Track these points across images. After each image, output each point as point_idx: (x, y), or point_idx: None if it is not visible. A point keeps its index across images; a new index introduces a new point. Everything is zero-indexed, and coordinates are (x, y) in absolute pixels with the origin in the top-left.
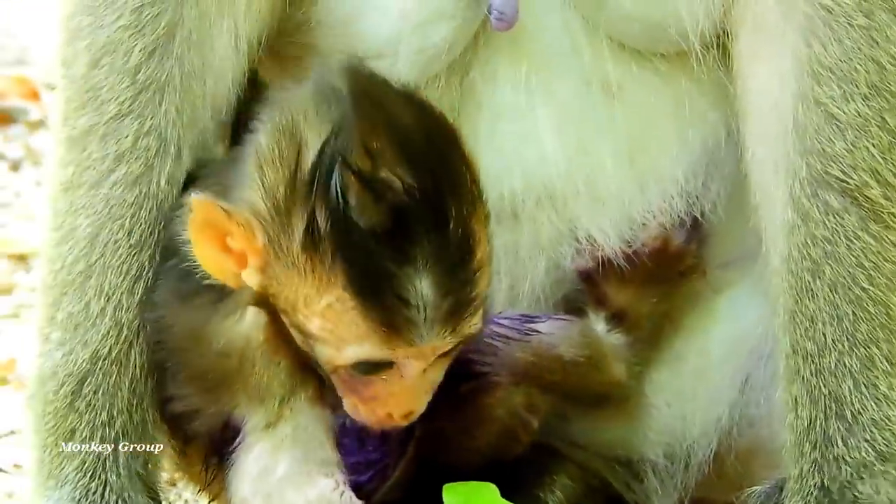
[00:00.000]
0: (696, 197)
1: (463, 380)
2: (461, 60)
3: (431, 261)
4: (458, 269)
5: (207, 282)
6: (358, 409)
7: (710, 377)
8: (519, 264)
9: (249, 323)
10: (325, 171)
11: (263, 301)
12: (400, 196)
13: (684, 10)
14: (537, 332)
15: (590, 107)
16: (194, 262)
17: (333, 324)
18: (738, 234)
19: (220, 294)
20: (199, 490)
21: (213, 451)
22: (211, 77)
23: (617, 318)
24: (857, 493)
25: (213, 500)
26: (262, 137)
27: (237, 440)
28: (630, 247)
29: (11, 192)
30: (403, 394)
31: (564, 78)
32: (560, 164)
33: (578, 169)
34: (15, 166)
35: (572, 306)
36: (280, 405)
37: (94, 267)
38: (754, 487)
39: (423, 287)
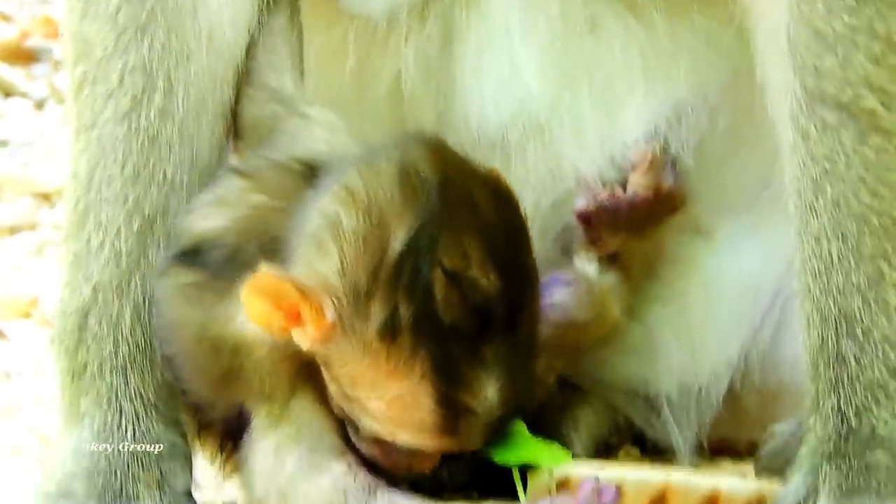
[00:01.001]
0: (679, 138)
1: None
2: None
3: (501, 362)
4: (522, 372)
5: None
6: (376, 455)
7: (717, 314)
8: None
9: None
10: (413, 266)
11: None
12: (485, 296)
13: None
14: (554, 305)
15: (570, 42)
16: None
17: (397, 412)
18: (733, 179)
19: (226, 292)
20: (217, 470)
21: (229, 436)
22: (204, 13)
23: (609, 260)
24: (873, 419)
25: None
26: (339, 208)
27: (249, 429)
28: (620, 184)
29: (35, 131)
30: (427, 461)
31: (544, 11)
32: (544, 98)
33: (561, 103)
34: (39, 105)
35: (561, 246)
36: (283, 406)
37: (92, 203)
38: (776, 425)
39: (489, 391)
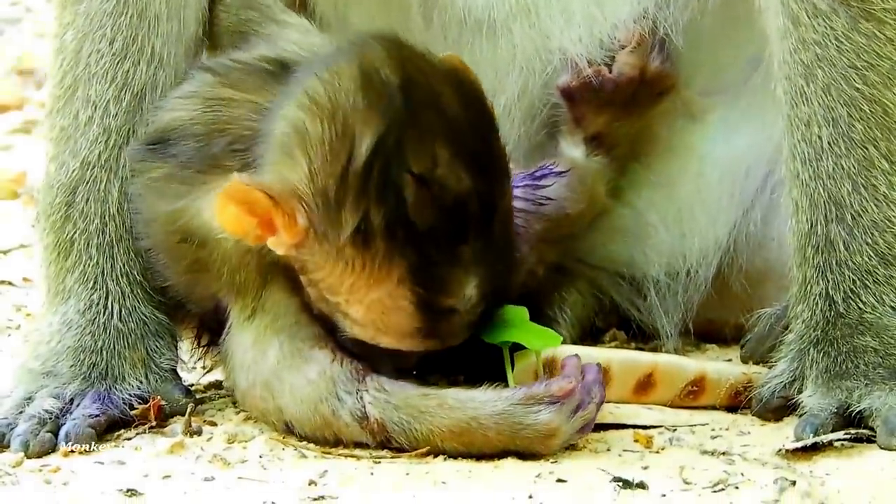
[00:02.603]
0: (668, 19)
1: None
2: None
3: (479, 261)
4: (501, 267)
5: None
6: (358, 351)
7: (705, 198)
8: (497, 78)
9: None
10: (381, 171)
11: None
12: (457, 196)
13: None
14: (549, 199)
15: None
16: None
17: (377, 317)
18: (724, 61)
19: (193, 184)
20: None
21: (206, 330)
22: None
23: (595, 141)
24: (861, 304)
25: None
26: (303, 115)
27: (227, 323)
28: (607, 64)
29: (23, 8)
30: (410, 358)
31: None
32: None
33: None
34: None
35: (547, 128)
36: (256, 297)
37: (80, 78)
38: (763, 309)
39: (468, 291)
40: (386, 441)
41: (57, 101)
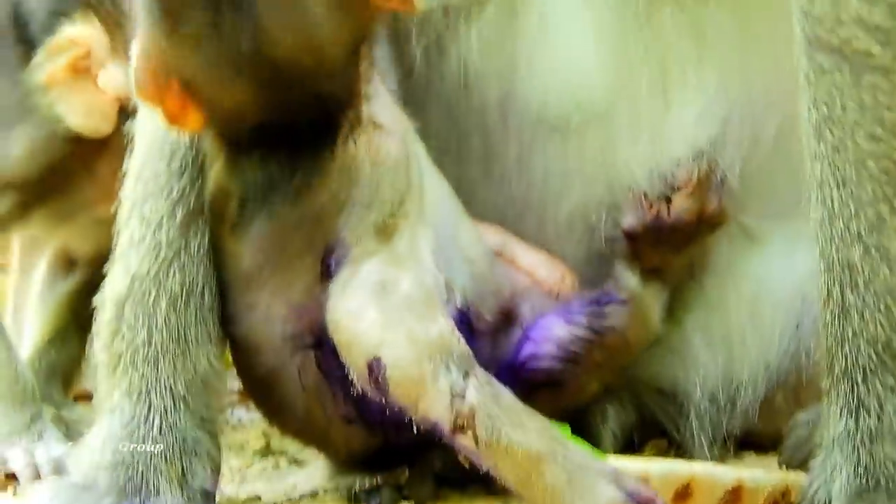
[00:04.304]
0: (727, 152)
1: (543, 386)
2: None
3: None
4: None
5: None
6: None
7: (759, 324)
8: (564, 184)
9: None
10: None
11: None
12: None
13: None
14: (612, 328)
15: (628, 29)
16: None
17: None
18: (782, 184)
19: None
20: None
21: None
22: None
23: (651, 273)
24: (879, 387)
25: None
26: None
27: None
28: (667, 198)
29: None
30: None
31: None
32: (604, 85)
33: (620, 92)
34: None
35: (605, 247)
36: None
37: (137, 199)
38: (800, 414)
39: None
40: (460, 429)
41: (119, 224)
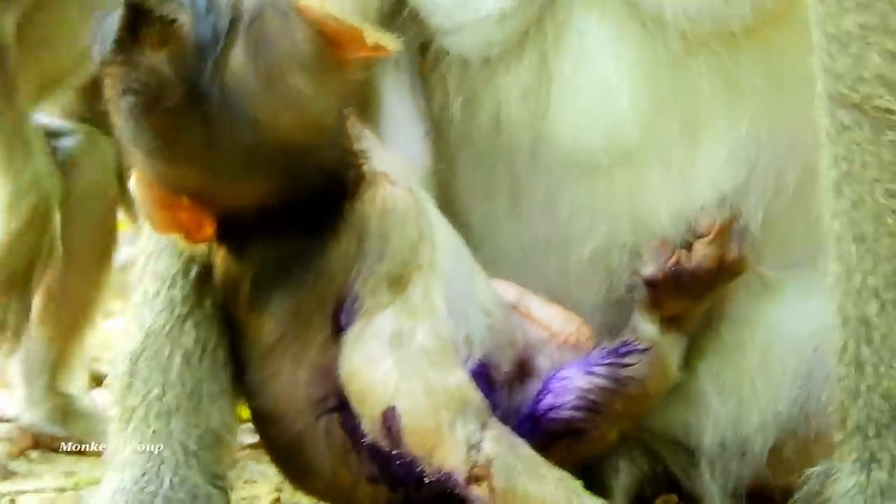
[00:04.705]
0: (749, 201)
1: (563, 436)
2: (549, 16)
3: None
4: None
5: None
6: None
7: (770, 371)
8: (591, 224)
9: None
10: None
11: None
12: None
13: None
14: (632, 379)
15: (659, 71)
16: None
17: None
18: (800, 234)
19: None
20: None
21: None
22: None
23: (670, 321)
24: (892, 442)
25: None
26: None
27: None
28: (688, 244)
29: None
30: None
31: (633, 40)
32: (635, 125)
33: (651, 133)
34: None
35: (625, 293)
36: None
37: (151, 255)
38: (812, 469)
39: None
40: (475, 480)
41: (134, 279)
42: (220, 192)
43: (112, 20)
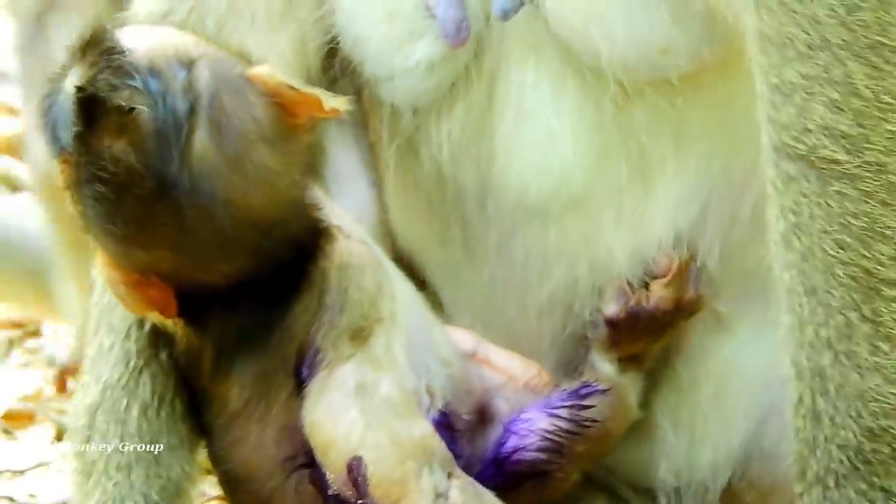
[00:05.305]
0: (702, 241)
1: (528, 478)
2: (480, 67)
3: None
4: None
5: None
6: None
7: (722, 405)
8: (545, 268)
9: None
10: None
11: None
12: None
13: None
14: (595, 421)
15: (601, 117)
16: None
17: None
18: (753, 269)
19: None
20: None
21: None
22: None
23: (627, 361)
24: (852, 492)
25: None
26: None
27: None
28: (646, 284)
29: None
30: None
31: (570, 87)
32: (582, 170)
33: (599, 177)
34: None
35: (581, 335)
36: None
37: (105, 308)
38: None
39: None
40: None
41: (90, 332)
42: (193, 271)
43: (59, 107)
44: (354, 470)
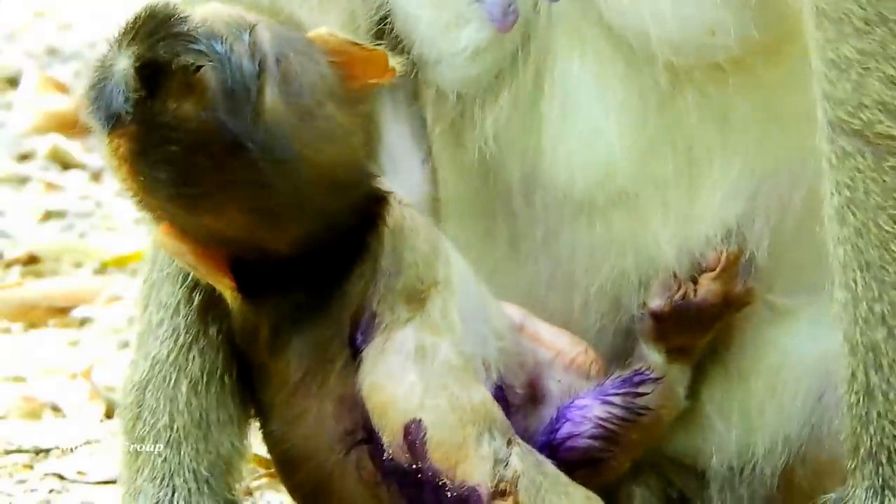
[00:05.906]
0: (754, 232)
1: (581, 465)
2: (526, 55)
3: None
4: None
5: None
6: None
7: (780, 395)
8: (592, 263)
9: None
10: None
11: None
12: None
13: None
14: (648, 409)
15: (647, 110)
16: None
17: None
18: (813, 256)
19: None
20: None
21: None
22: None
23: (675, 352)
24: None
25: None
26: None
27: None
28: (693, 278)
29: (93, 203)
30: None
31: (617, 78)
32: (629, 163)
33: (646, 171)
34: (96, 176)
35: (630, 327)
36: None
37: (154, 284)
38: (827, 495)
39: None
40: (500, 495)
41: (137, 308)
42: (262, 235)
43: (114, 81)
44: (412, 433)
